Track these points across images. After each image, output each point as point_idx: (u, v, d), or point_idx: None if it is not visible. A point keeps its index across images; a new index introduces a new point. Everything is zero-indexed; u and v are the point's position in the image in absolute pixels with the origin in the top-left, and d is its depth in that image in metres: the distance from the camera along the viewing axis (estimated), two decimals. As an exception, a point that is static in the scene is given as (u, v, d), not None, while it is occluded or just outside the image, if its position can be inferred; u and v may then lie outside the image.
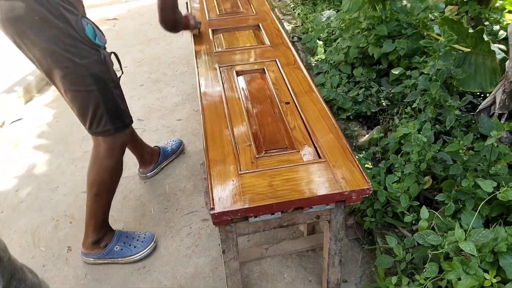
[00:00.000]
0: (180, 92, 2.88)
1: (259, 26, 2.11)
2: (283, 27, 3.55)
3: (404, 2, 2.25)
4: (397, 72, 2.07)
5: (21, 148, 2.47)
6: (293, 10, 3.65)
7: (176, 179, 2.15)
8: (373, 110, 2.21)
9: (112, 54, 1.52)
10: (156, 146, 2.22)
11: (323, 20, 3.24)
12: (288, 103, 1.53)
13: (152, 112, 2.70)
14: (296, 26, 3.42)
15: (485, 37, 1.68)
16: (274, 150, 1.33)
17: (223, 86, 1.63)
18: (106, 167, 1.60)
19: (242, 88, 1.64)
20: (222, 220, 1.14)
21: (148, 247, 1.75)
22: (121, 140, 1.60)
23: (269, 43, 1.93)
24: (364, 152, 2.03)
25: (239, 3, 2.41)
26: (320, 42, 2.84)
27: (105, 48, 1.46)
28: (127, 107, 1.62)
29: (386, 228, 1.66)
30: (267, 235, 1.78)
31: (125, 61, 3.31)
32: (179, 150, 2.30)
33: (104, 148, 1.58)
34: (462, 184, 1.40)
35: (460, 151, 1.45)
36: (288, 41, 1.94)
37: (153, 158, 2.15)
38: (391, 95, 2.20)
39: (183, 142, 2.35)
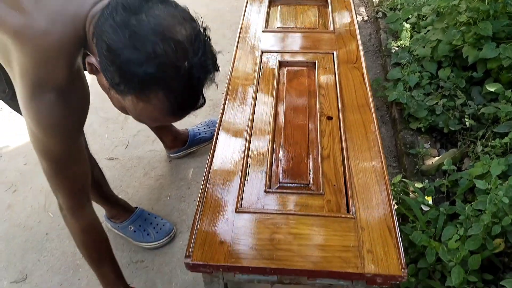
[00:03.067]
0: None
1: (328, 2, 1.71)
2: (369, -2, 3.04)
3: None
4: (492, 89, 1.59)
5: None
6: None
7: (203, 164, 1.92)
8: (452, 128, 1.76)
9: None
10: (185, 129, 1.94)
11: (419, -4, 2.69)
12: (331, 118, 1.19)
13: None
14: (385, -1, 2.90)
15: None
16: (292, 185, 1.03)
17: (258, 80, 1.32)
18: None
19: (280, 87, 1.32)
20: (200, 270, 0.90)
21: (160, 241, 1.59)
22: None
23: (332, 28, 1.55)
24: (427, 180, 1.64)
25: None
26: (407, 26, 2.34)
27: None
28: None
29: (428, 292, 1.31)
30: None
31: (188, 14, 3.06)
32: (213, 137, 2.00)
33: None
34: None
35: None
36: (357, 28, 1.54)
37: (175, 144, 1.90)
38: (479, 113, 1.73)
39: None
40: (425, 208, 1.48)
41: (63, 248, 1.62)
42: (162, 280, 1.49)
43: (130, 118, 1.89)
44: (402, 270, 0.84)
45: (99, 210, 1.66)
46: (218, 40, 2.77)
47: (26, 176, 1.92)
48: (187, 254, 0.87)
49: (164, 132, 1.86)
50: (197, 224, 0.93)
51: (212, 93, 2.33)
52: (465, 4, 1.76)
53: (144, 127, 2.06)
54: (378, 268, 0.84)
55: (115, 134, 2.10)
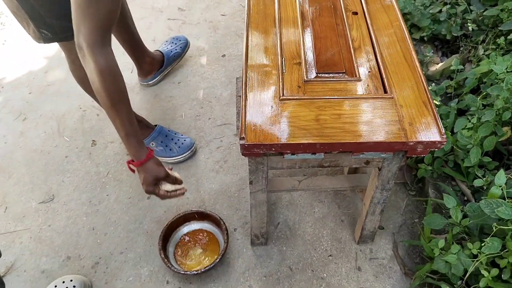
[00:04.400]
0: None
1: None
2: None
3: None
4: (497, -11, 1.64)
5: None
6: None
7: (212, 84, 1.94)
8: (454, 34, 1.82)
9: None
10: (158, 50, 1.93)
11: None
12: (356, 13, 1.22)
13: (195, 2, 2.39)
14: None
15: None
16: (329, 74, 1.07)
17: (278, -19, 1.31)
18: (79, 80, 1.45)
19: (301, -13, 1.32)
20: (253, 152, 0.96)
21: (183, 155, 1.63)
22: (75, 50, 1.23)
23: None
24: (433, 84, 1.72)
25: None
26: None
27: None
28: (66, 18, 1.12)
29: (441, 179, 1.43)
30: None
31: None
32: (184, 52, 2.01)
33: (67, 60, 1.40)
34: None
35: None
36: None
37: (153, 68, 1.90)
38: (480, 18, 1.79)
39: (189, 42, 2.02)
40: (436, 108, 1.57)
41: (86, 168, 1.65)
42: (190, 190, 1.56)
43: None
44: (442, 136, 0.92)
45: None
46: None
47: (33, 104, 1.90)
48: (242, 136, 0.92)
49: (142, 56, 1.84)
50: (245, 111, 0.97)
51: (212, 14, 2.30)
52: None
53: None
54: (420, 136, 0.92)
55: (118, 59, 2.04)
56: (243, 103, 1.00)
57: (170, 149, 1.62)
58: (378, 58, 1.08)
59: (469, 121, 1.36)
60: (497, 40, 1.60)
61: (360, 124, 0.94)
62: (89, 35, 0.96)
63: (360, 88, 1.02)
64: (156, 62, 1.92)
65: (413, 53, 1.09)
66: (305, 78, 1.04)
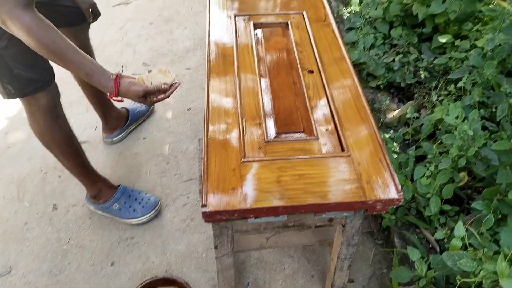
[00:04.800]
0: (193, 35, 2.58)
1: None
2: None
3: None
4: (443, 40, 1.75)
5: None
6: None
7: (178, 138, 1.94)
8: (408, 82, 1.91)
9: None
10: (124, 107, 1.94)
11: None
12: (312, 71, 1.26)
13: (159, 57, 2.43)
14: (330, -31, 3.01)
15: None
16: (288, 134, 1.09)
17: (237, 41, 1.35)
18: (36, 133, 1.40)
19: (259, 47, 1.36)
20: (216, 219, 0.94)
21: (147, 215, 1.59)
22: (36, 104, 1.31)
23: (296, -9, 1.61)
24: (391, 131, 1.78)
25: None
26: (356, -8, 2.46)
27: None
28: (30, 71, 1.25)
29: (406, 227, 1.45)
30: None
31: (136, -6, 2.99)
32: (150, 110, 2.04)
33: (26, 113, 1.36)
34: (508, 195, 1.16)
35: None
36: (319, -10, 1.61)
37: (118, 123, 1.90)
38: (431, 66, 1.89)
39: None
40: (394, 155, 1.62)
41: (46, 235, 1.58)
42: (156, 253, 1.51)
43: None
44: (399, 193, 0.94)
45: (81, 192, 1.64)
46: (174, 17, 2.74)
47: (-9, 168, 1.83)
48: (203, 203, 0.91)
49: (108, 111, 1.84)
50: (207, 176, 0.96)
51: (177, 68, 2.33)
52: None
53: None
54: (378, 195, 0.93)
55: (82, 117, 2.04)
56: (204, 167, 1.00)
57: (134, 210, 1.59)
58: (335, 115, 1.11)
59: (427, 169, 1.41)
60: (447, 87, 1.69)
61: (320, 185, 0.95)
62: (5, 3, 0.93)
63: (318, 147, 1.04)
64: (121, 118, 1.91)
65: (368, 111, 1.13)
66: (265, 138, 1.06)
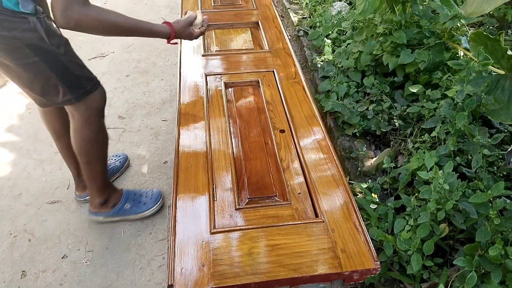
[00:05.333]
0: (169, 87, 2.58)
1: (258, 24, 1.80)
2: (289, 19, 3.23)
3: (429, 5, 1.93)
4: (414, 90, 1.78)
5: (-14, 143, 2.21)
6: (302, -1, 3.31)
7: (153, 194, 1.89)
8: (383, 130, 1.92)
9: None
10: None
11: (334, 13, 2.92)
12: (283, 131, 1.25)
13: (136, 109, 2.41)
14: (303, 18, 3.09)
15: (528, 63, 1.38)
16: (260, 199, 1.06)
17: (207, 102, 1.35)
18: (85, 137, 1.49)
19: (230, 107, 1.36)
20: (184, 298, 0.89)
21: (157, 204, 1.75)
22: (94, 106, 1.45)
23: (268, 48, 1.64)
24: (370, 180, 1.77)
25: (238, -7, 2.09)
26: (328, 41, 2.53)
27: (36, 13, 1.22)
28: (86, 71, 1.42)
29: (390, 282, 1.40)
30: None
31: (113, 47, 3.00)
32: (123, 167, 1.99)
33: (78, 118, 1.45)
34: (489, 251, 1.14)
35: (491, 212, 1.18)
36: (290, 46, 1.64)
37: None
38: (405, 113, 1.92)
39: (129, 158, 2.04)
40: (373, 206, 1.59)
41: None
42: None
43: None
44: (375, 263, 0.91)
45: (52, 257, 1.56)
46: (150, 68, 2.75)
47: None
48: (170, 283, 0.86)
49: (80, 169, 1.77)
50: (174, 252, 0.92)
51: (153, 120, 2.31)
52: (380, 17, 1.95)
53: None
54: (354, 265, 0.90)
55: (54, 175, 1.98)
56: (171, 242, 0.95)
57: (144, 203, 1.75)
58: (307, 177, 1.09)
59: (407, 222, 1.39)
60: (422, 137, 1.70)
61: (294, 256, 0.92)
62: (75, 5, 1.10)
63: (291, 213, 1.02)
64: None
65: (341, 171, 1.11)
66: (236, 205, 1.03)
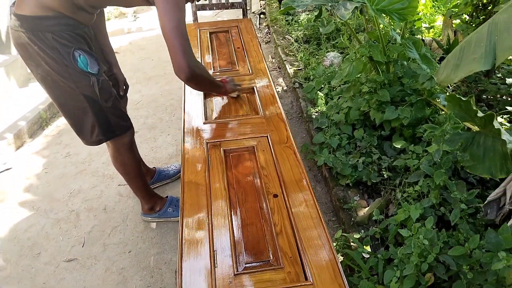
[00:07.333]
0: (175, 141, 2.77)
1: (254, 89, 1.99)
2: (285, 70, 3.44)
3: (410, 65, 2.12)
4: (398, 146, 1.93)
5: (7, 203, 2.37)
6: (296, 51, 3.53)
7: (162, 249, 2.02)
8: (373, 181, 2.06)
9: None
10: (154, 167, 2.47)
11: (327, 63, 3.13)
12: (277, 195, 1.40)
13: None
14: (298, 69, 3.31)
15: (495, 124, 1.53)
16: (256, 264, 1.20)
17: (208, 169, 1.50)
18: (120, 162, 1.94)
19: (229, 174, 1.51)
20: None
21: None
22: (122, 141, 1.86)
23: (262, 113, 1.81)
24: (362, 230, 1.89)
25: (235, 59, 2.30)
26: (321, 94, 2.71)
27: (98, 73, 1.64)
28: (121, 120, 1.81)
29: (382, 332, 1.51)
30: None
31: (122, 103, 3.22)
32: (175, 176, 2.45)
33: (112, 148, 1.90)
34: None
35: (464, 267, 1.31)
36: (282, 112, 1.81)
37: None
38: (393, 165, 2.06)
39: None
40: (366, 256, 1.72)
41: None
42: None
43: (82, 214, 2.13)
44: (358, 321, 1.03)
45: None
46: (157, 124, 2.95)
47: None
48: None
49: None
50: (181, 316, 1.05)
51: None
52: (365, 77, 2.13)
53: (98, 222, 2.13)
54: (339, 323, 1.02)
55: (69, 233, 2.13)
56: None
57: None
58: (298, 241, 1.23)
59: (395, 274, 1.50)
60: (408, 189, 1.84)
61: (285, 318, 1.04)
62: (185, 45, 1.46)
63: (283, 276, 1.15)
64: (149, 172, 2.41)
65: (328, 234, 1.25)
66: (235, 271, 1.16)
